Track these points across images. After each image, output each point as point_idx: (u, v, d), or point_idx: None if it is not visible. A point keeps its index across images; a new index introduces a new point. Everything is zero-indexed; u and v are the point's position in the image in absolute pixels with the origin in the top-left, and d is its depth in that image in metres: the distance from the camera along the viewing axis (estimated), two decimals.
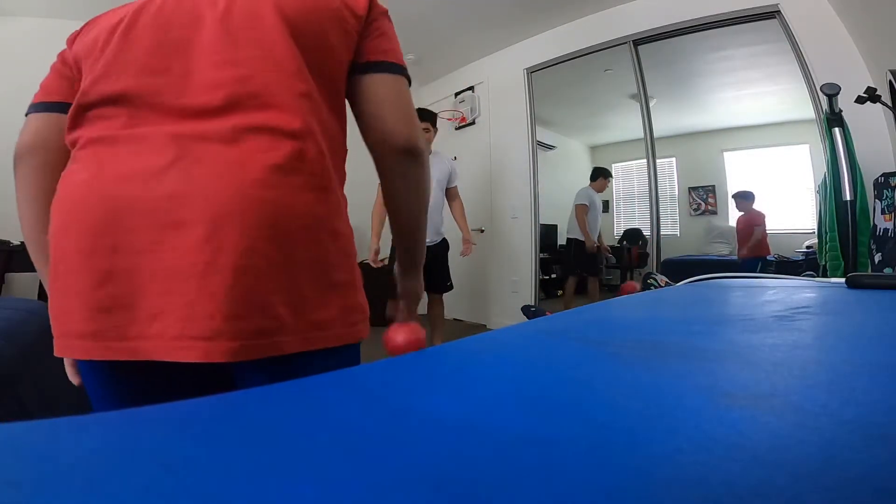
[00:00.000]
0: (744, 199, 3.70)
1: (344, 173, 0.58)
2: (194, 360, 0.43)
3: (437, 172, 2.58)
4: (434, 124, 2.62)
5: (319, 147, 0.51)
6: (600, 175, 3.64)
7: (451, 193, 2.67)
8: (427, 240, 2.46)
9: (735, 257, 3.78)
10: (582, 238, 3.47)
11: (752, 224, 3.57)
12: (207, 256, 0.43)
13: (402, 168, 0.58)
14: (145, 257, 0.44)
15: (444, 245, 2.67)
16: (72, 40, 0.58)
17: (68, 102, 0.55)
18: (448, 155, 2.84)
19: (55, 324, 0.47)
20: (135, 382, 0.48)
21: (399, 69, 0.59)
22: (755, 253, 3.47)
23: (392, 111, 0.57)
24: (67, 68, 0.58)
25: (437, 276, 2.66)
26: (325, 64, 0.54)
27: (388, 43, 0.59)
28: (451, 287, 2.71)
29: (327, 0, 0.55)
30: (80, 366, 0.51)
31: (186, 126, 0.47)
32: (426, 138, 2.61)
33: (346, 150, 0.59)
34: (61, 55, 0.60)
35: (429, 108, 4.27)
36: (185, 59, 0.49)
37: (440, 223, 2.62)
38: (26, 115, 0.60)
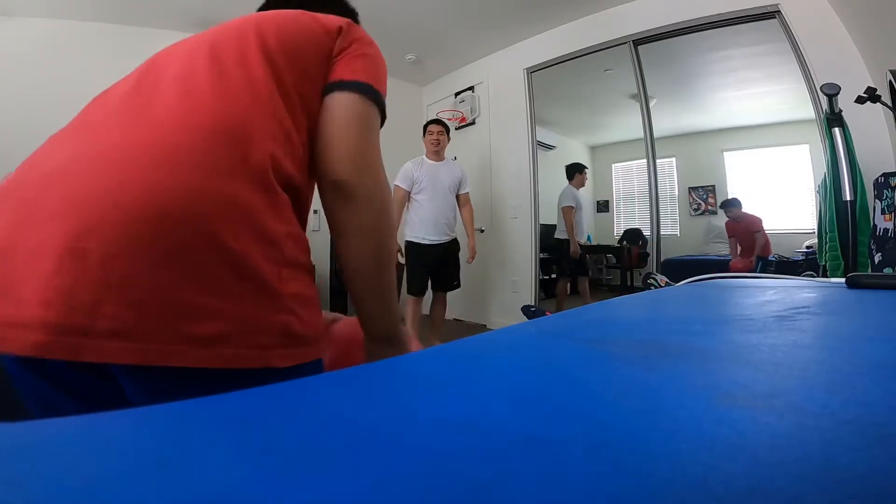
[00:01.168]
0: (731, 205, 3.70)
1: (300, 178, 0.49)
2: None
3: (447, 178, 2.65)
4: (447, 131, 2.73)
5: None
6: (576, 171, 3.61)
7: (461, 200, 2.75)
8: (434, 238, 2.45)
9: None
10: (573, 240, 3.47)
11: (752, 230, 3.56)
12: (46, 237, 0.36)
13: (332, 206, 0.49)
14: None
15: (454, 244, 2.72)
16: None
17: None
18: (458, 162, 2.92)
19: None
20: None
21: (361, 87, 0.50)
22: (764, 254, 3.47)
23: (335, 135, 0.49)
24: None
25: (445, 274, 2.69)
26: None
27: (358, 62, 0.53)
28: (458, 286, 2.76)
29: (305, 25, 0.52)
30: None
31: None
32: (445, 144, 2.70)
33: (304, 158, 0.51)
34: None
35: (428, 108, 4.30)
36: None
37: (451, 225, 2.68)
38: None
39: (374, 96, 0.51)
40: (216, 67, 0.47)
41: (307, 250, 0.48)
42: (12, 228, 0.38)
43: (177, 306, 0.36)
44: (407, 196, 2.65)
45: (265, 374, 0.39)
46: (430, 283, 2.70)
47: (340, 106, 0.50)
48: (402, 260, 2.70)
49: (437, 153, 2.69)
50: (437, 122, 2.77)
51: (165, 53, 0.52)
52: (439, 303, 2.76)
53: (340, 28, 0.53)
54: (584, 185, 3.63)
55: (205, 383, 0.36)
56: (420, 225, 2.64)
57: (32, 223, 0.37)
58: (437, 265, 2.67)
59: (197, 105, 0.44)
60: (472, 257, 2.77)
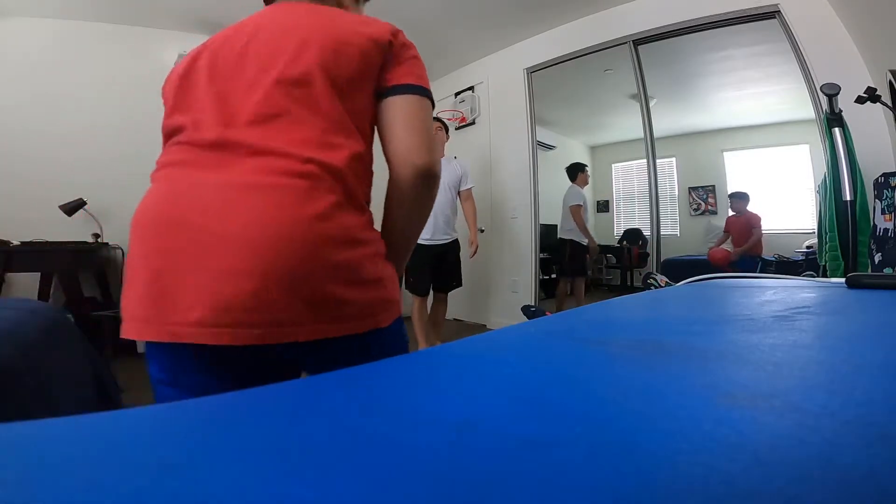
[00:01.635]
0: (740, 199, 3.70)
1: (369, 190, 0.63)
2: (218, 343, 0.49)
3: (447, 175, 2.63)
4: (446, 128, 2.71)
5: (354, 168, 0.57)
6: (578, 171, 3.61)
7: (463, 195, 2.74)
8: (434, 239, 2.47)
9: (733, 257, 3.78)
10: (577, 239, 3.45)
11: (751, 225, 3.58)
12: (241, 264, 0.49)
13: (416, 192, 0.61)
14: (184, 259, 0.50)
15: (455, 245, 2.72)
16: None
17: None
18: (461, 158, 2.89)
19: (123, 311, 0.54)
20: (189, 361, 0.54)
21: (417, 89, 0.61)
22: (751, 252, 3.48)
23: (408, 131, 0.60)
24: None
25: (445, 274, 2.69)
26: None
27: (410, 69, 0.62)
28: (458, 285, 2.74)
29: (352, 38, 0.59)
30: (147, 347, 0.56)
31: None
32: (441, 140, 2.68)
33: (372, 172, 0.63)
34: None
35: None
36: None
37: (452, 224, 2.68)
38: None
39: (430, 96, 0.64)
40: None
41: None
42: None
43: (327, 298, 0.52)
44: None
45: (375, 332, 0.56)
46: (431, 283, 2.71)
47: (414, 107, 0.61)
48: None
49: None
50: (434, 119, 2.78)
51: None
52: (440, 303, 2.76)
53: (391, 42, 0.62)
54: (587, 184, 3.64)
55: (332, 346, 0.53)
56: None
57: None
58: (437, 265, 2.67)
59: None
60: (474, 252, 2.76)
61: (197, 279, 0.48)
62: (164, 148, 0.60)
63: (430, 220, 2.60)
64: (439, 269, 2.68)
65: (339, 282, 0.52)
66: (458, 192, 2.72)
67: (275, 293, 0.48)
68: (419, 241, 2.71)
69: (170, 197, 0.53)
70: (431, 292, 2.72)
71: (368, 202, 0.61)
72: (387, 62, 0.61)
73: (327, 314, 0.51)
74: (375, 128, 0.63)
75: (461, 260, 2.77)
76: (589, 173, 3.71)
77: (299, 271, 0.49)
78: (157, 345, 0.52)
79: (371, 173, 0.62)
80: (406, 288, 2.69)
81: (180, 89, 0.60)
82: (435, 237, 2.62)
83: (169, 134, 0.60)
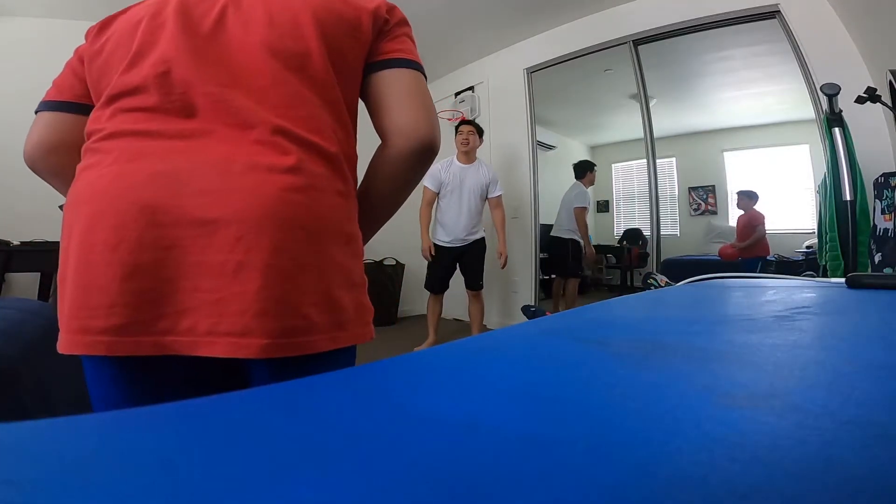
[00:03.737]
0: (748, 197, 3.71)
1: (356, 178, 0.59)
2: (222, 356, 0.43)
3: (473, 180, 2.69)
4: (480, 133, 2.81)
5: (346, 153, 0.54)
6: (588, 170, 3.55)
7: (493, 203, 2.79)
8: (451, 241, 2.55)
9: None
10: (577, 238, 3.43)
11: (753, 223, 3.58)
12: (240, 256, 0.43)
13: (413, 166, 0.58)
14: (172, 253, 0.44)
15: (480, 244, 2.78)
16: (88, 36, 0.58)
17: (80, 103, 0.57)
18: (488, 165, 2.93)
19: (69, 320, 0.45)
20: (145, 380, 0.48)
21: (415, 65, 0.60)
22: (755, 253, 3.48)
23: (413, 104, 0.57)
24: (81, 66, 0.58)
25: (472, 272, 2.78)
26: (344, 73, 0.56)
27: (402, 44, 0.60)
28: (480, 286, 2.85)
29: (344, 11, 0.56)
30: (87, 362, 0.49)
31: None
32: (475, 145, 2.73)
33: (357, 156, 0.59)
34: (77, 51, 0.61)
35: None
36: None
37: (472, 226, 2.72)
38: (36, 112, 0.60)
39: (424, 73, 0.61)
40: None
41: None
42: None
43: (333, 301, 0.49)
44: (434, 197, 2.70)
45: (353, 347, 0.53)
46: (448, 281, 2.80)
47: (413, 80, 0.59)
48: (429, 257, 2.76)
49: (466, 154, 2.72)
50: (469, 122, 2.83)
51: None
52: (475, 299, 2.83)
53: (386, 19, 0.59)
54: (593, 184, 3.61)
55: (336, 358, 0.50)
56: (440, 228, 2.71)
57: None
58: (454, 265, 2.75)
59: None
60: (503, 261, 2.79)
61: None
62: (106, 111, 0.50)
63: (450, 225, 2.66)
64: (467, 267, 2.76)
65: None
66: (487, 199, 2.77)
67: None
68: (435, 242, 2.80)
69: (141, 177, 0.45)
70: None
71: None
72: (381, 35, 0.59)
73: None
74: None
75: (485, 261, 2.82)
76: (596, 174, 3.68)
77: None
78: None
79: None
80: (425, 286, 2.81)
81: (138, 42, 0.49)
82: (452, 240, 2.70)
83: (117, 95, 0.50)
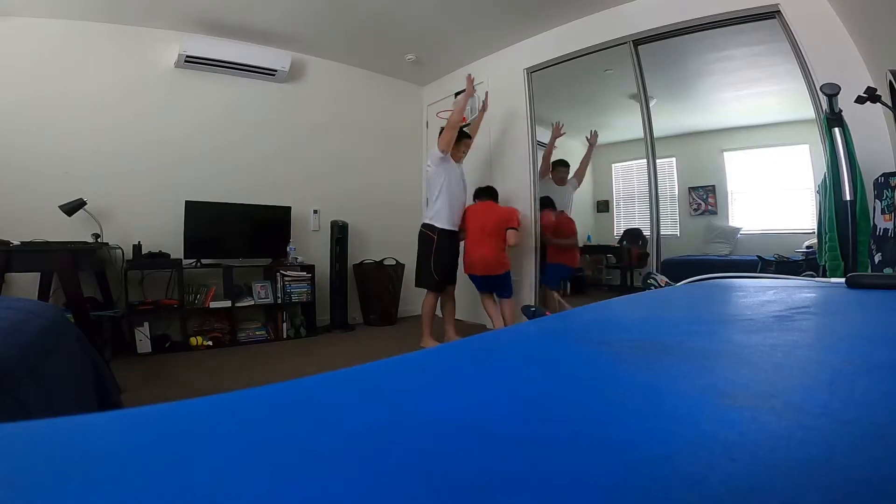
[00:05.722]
0: (545, 206, 3.59)
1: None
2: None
3: (463, 176, 3.17)
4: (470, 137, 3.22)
5: None
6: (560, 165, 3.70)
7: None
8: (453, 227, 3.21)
9: (736, 257, 3.78)
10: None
11: (572, 228, 3.53)
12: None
13: None
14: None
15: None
16: None
17: None
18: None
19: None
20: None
21: None
22: (564, 258, 3.48)
23: None
24: None
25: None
26: None
27: None
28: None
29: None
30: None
31: None
32: (466, 146, 3.22)
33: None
34: None
35: (429, 107, 4.31)
36: None
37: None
38: None
39: None
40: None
41: None
42: None
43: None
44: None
45: None
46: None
47: None
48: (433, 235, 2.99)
49: (461, 160, 3.20)
50: (470, 136, 3.28)
51: None
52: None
53: None
54: (564, 183, 3.72)
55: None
56: (447, 212, 3.00)
57: None
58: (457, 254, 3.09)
59: None
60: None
61: None
62: None
63: (459, 208, 3.03)
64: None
65: None
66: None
67: None
68: (446, 227, 3.11)
69: None
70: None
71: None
72: None
73: None
74: None
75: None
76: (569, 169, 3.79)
77: None
78: None
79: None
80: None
81: None
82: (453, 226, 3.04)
83: None
